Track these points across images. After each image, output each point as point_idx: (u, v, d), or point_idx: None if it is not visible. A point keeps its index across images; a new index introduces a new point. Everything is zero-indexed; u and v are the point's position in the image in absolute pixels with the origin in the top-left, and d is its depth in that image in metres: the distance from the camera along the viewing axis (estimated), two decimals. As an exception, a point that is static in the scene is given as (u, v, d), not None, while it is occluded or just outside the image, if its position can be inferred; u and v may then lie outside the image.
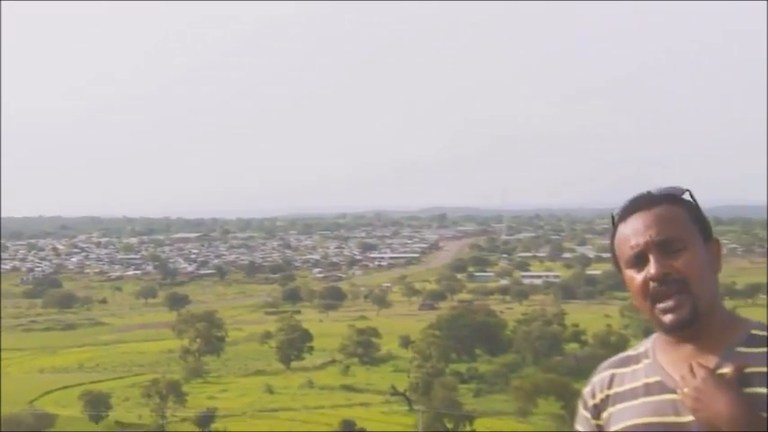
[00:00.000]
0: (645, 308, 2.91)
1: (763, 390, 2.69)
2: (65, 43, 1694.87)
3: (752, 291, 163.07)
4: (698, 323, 2.83)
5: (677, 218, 2.92)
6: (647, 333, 3.18)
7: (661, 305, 2.83)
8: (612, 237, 3.06)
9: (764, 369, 2.72)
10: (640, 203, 2.97)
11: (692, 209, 2.96)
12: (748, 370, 2.72)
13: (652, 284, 2.84)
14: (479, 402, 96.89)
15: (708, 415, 2.68)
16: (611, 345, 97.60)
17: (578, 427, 3.09)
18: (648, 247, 2.87)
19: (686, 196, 2.98)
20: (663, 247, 2.86)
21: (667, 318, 2.83)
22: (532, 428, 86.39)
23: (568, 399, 73.90)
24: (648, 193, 2.98)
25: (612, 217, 3.06)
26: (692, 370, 2.77)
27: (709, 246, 2.93)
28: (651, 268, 2.85)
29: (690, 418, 2.75)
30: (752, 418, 2.61)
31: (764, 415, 2.63)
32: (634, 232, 2.93)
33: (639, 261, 2.89)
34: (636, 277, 2.90)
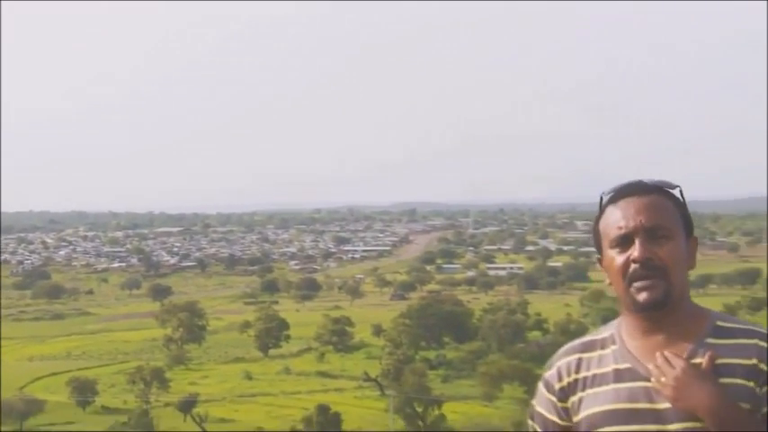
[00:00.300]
0: (620, 286, 2.91)
1: (735, 380, 2.74)
2: (57, 43, 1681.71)
3: (703, 281, 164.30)
4: (669, 307, 2.85)
5: (667, 209, 2.93)
6: (604, 321, 3.28)
7: (637, 284, 2.83)
8: (599, 217, 3.05)
9: (733, 360, 2.77)
10: (633, 189, 2.96)
11: (680, 205, 2.98)
12: (719, 361, 2.77)
13: (633, 266, 2.85)
14: (447, 387, 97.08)
15: (688, 405, 2.70)
16: (571, 332, 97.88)
17: (540, 409, 3.05)
18: (636, 230, 2.87)
19: (677, 192, 3.00)
20: (650, 233, 2.86)
21: (642, 296, 2.83)
22: (497, 412, 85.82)
23: (531, 384, 74.09)
24: (642, 181, 2.99)
25: (601, 198, 3.05)
26: (666, 360, 2.78)
27: (689, 242, 2.97)
28: (636, 251, 2.85)
29: (665, 405, 2.75)
30: (731, 408, 2.66)
31: (742, 405, 2.69)
32: (624, 215, 2.91)
33: (624, 242, 2.90)
34: (618, 257, 2.90)
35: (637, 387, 2.85)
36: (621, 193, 3.01)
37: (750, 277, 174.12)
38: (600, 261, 3.08)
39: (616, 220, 2.97)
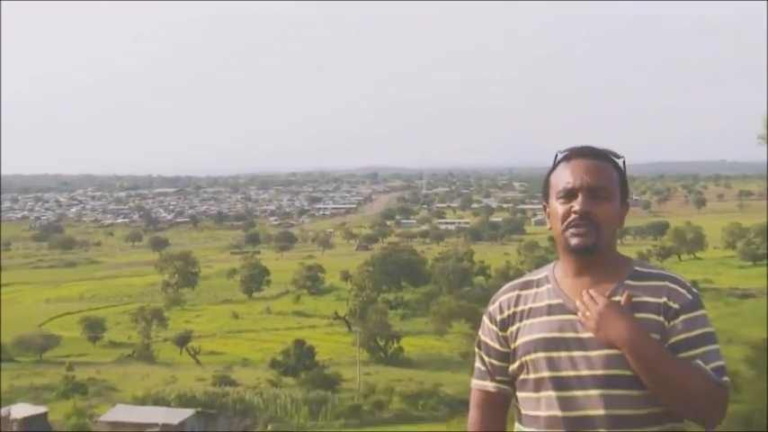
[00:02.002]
0: (558, 230, 2.96)
1: (648, 315, 2.81)
2: (71, 16, 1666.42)
3: (621, 233, 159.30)
4: (596, 253, 2.91)
5: (610, 175, 2.97)
6: (537, 267, 3.26)
7: (573, 230, 2.89)
8: (551, 171, 3.06)
9: (647, 299, 2.86)
10: (584, 152, 3.00)
11: (622, 173, 3.03)
12: (636, 299, 2.84)
13: (573, 216, 2.90)
14: (405, 324, 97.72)
15: (607, 335, 2.77)
16: (510, 277, 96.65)
17: (484, 338, 3.10)
18: (581, 187, 2.91)
19: (620, 162, 3.05)
20: (592, 191, 2.90)
21: (574, 240, 2.89)
22: (447, 345, 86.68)
23: (476, 321, 73.67)
24: (593, 147, 3.03)
25: (556, 155, 3.06)
26: (591, 297, 2.85)
27: (622, 206, 3.02)
28: (577, 204, 2.89)
29: (589, 335, 2.82)
30: (643, 338, 2.75)
31: (653, 336, 2.78)
32: (573, 172, 2.95)
33: (569, 195, 2.93)
34: (561, 207, 2.93)
35: (566, 319, 2.91)
36: (575, 153, 3.02)
37: (659, 229, 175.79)
38: (545, 207, 3.07)
39: (565, 175, 2.98)
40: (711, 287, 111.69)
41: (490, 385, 3.09)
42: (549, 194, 3.04)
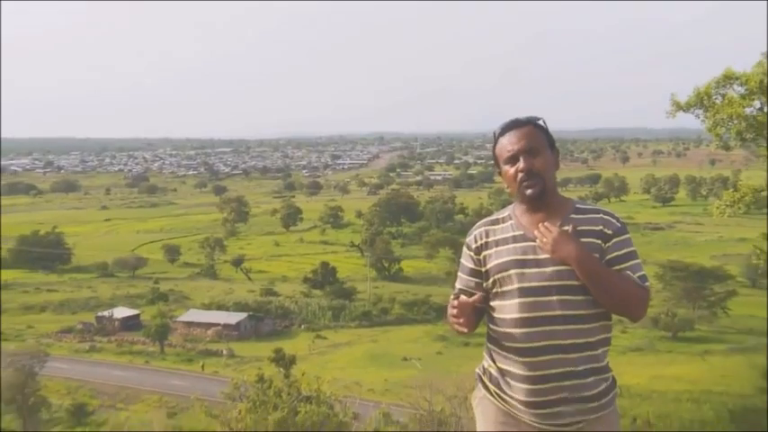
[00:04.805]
0: (513, 188, 2.99)
1: (589, 239, 2.88)
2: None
3: (565, 182, 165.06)
4: (546, 197, 2.94)
5: (537, 135, 2.97)
6: (503, 207, 3.25)
7: (524, 184, 2.92)
8: (495, 145, 3.08)
9: (587, 227, 2.91)
10: (515, 124, 3.01)
11: (544, 130, 3.01)
12: (579, 228, 2.89)
13: (520, 174, 2.92)
14: (404, 251, 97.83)
15: (560, 255, 2.83)
16: (482, 215, 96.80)
17: (464, 261, 3.10)
18: (520, 151, 2.93)
19: (541, 122, 3.02)
20: (528, 152, 2.92)
21: (528, 191, 2.92)
22: (435, 266, 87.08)
23: (458, 248, 75.25)
24: (519, 119, 3.03)
25: (494, 133, 3.08)
26: (546, 227, 2.89)
27: (553, 153, 3.02)
28: (521, 164, 2.92)
29: (545, 256, 2.87)
30: (588, 256, 2.82)
31: (595, 254, 2.85)
32: (510, 142, 2.97)
33: (512, 160, 2.95)
34: (509, 170, 2.97)
35: (527, 245, 2.95)
36: (507, 127, 3.03)
37: (594, 179, 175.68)
38: (499, 173, 3.10)
39: (505, 145, 3.01)
40: (632, 222, 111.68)
41: (470, 286, 3.09)
42: (499, 164, 3.07)
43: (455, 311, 2.96)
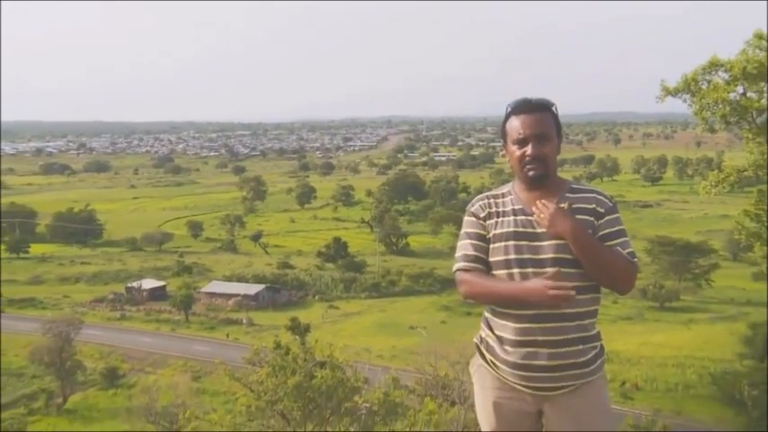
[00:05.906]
0: (517, 168, 2.96)
1: (583, 216, 2.88)
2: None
3: (560, 163, 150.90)
4: (546, 180, 2.93)
5: (549, 122, 2.92)
6: (504, 184, 3.16)
7: (528, 166, 2.90)
8: (505, 121, 3.00)
9: (581, 205, 2.91)
10: (528, 107, 2.94)
11: (555, 117, 2.96)
12: (574, 206, 2.89)
13: (527, 158, 2.90)
14: (410, 227, 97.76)
15: (556, 230, 2.83)
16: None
17: (471, 229, 3.02)
18: (530, 136, 2.89)
19: (554, 109, 2.97)
20: (538, 138, 2.89)
21: (531, 173, 2.90)
22: (440, 241, 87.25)
23: (461, 224, 74.97)
24: (531, 100, 2.97)
25: (507, 108, 3.02)
26: (543, 204, 2.88)
27: (558, 140, 2.99)
28: (530, 149, 2.89)
29: (542, 230, 2.87)
30: (582, 231, 2.82)
31: (589, 231, 2.85)
32: (522, 124, 2.91)
33: (521, 143, 2.91)
34: (517, 151, 2.92)
35: (525, 219, 2.94)
36: (522, 108, 2.96)
37: (587, 160, 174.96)
38: (504, 148, 3.06)
39: (517, 126, 2.94)
40: (623, 200, 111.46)
41: (482, 250, 3.02)
42: (506, 140, 3.01)
43: (554, 284, 2.80)
